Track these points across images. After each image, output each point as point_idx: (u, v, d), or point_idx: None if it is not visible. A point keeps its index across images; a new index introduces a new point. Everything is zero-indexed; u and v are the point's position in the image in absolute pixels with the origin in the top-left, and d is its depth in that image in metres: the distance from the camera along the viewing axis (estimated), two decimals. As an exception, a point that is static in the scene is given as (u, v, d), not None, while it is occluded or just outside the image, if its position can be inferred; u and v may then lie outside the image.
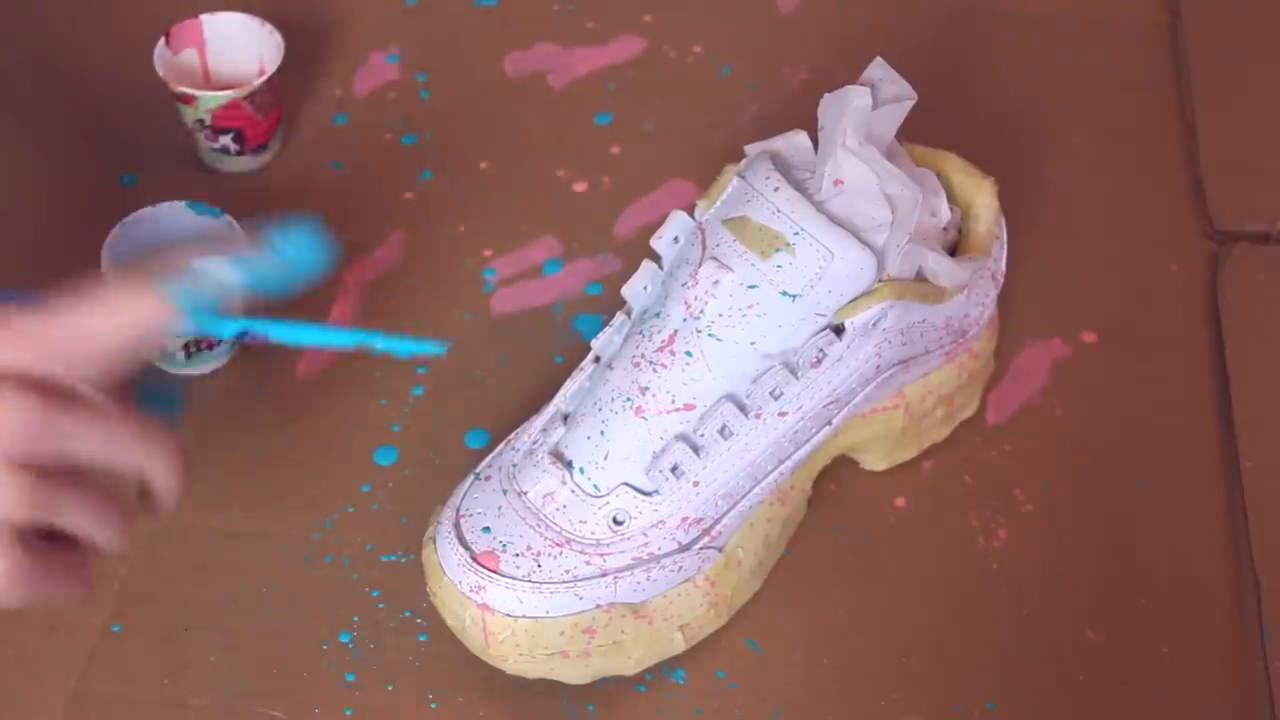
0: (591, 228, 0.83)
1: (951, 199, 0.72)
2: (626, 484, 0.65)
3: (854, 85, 0.66)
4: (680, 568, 0.66)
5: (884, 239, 0.65)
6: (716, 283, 0.65)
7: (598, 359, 0.69)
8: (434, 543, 0.65)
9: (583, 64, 0.91)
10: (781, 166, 0.67)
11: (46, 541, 0.54)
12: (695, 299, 0.65)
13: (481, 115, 0.89)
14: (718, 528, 0.66)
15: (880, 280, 0.66)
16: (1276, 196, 0.84)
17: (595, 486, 0.65)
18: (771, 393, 0.65)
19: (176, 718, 0.67)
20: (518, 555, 0.64)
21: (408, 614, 0.69)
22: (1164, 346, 0.79)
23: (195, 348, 0.75)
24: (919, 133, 0.71)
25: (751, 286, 0.65)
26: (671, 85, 0.90)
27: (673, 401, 0.65)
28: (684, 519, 0.65)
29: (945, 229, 0.71)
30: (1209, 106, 0.88)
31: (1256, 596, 0.70)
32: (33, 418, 0.51)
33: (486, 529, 0.64)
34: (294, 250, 0.55)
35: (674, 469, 0.65)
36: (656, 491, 0.65)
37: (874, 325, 0.66)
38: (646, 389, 0.65)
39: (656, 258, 0.69)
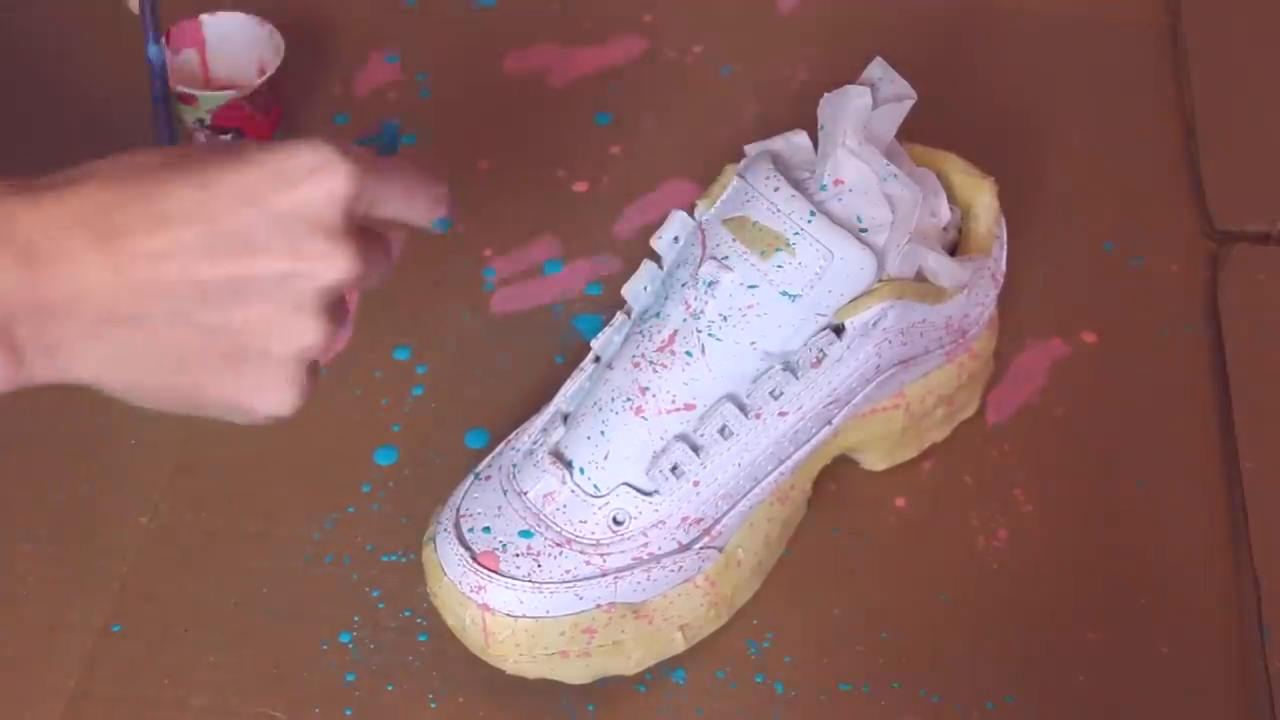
0: (591, 228, 0.83)
1: (951, 199, 0.72)
2: (626, 484, 0.65)
3: (854, 85, 0.66)
4: (680, 568, 0.66)
5: (884, 239, 0.65)
6: (716, 283, 0.65)
7: (598, 359, 0.69)
8: (434, 543, 0.65)
9: (582, 64, 0.91)
10: (781, 166, 0.67)
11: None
12: (695, 299, 0.65)
13: (481, 115, 0.89)
14: (718, 528, 0.66)
15: (880, 280, 0.66)
16: (1276, 196, 0.84)
17: (595, 486, 0.65)
18: (771, 393, 0.65)
19: (176, 718, 0.67)
20: (518, 555, 0.64)
21: (408, 614, 0.69)
22: (1164, 346, 0.79)
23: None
24: (919, 133, 0.71)
25: (751, 286, 0.65)
26: (671, 85, 0.90)
27: (673, 401, 0.65)
28: (684, 519, 0.65)
29: (945, 229, 0.71)
30: (1209, 106, 0.88)
31: (1256, 596, 0.70)
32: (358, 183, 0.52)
33: (487, 529, 0.64)
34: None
35: (674, 469, 0.65)
36: (656, 491, 0.65)
37: (874, 325, 0.66)
38: (646, 389, 0.65)
39: (656, 258, 0.69)
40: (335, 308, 0.54)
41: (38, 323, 0.50)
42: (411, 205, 0.55)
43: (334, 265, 0.52)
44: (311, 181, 0.51)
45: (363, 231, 0.54)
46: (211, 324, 0.51)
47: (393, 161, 0.54)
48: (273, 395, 0.54)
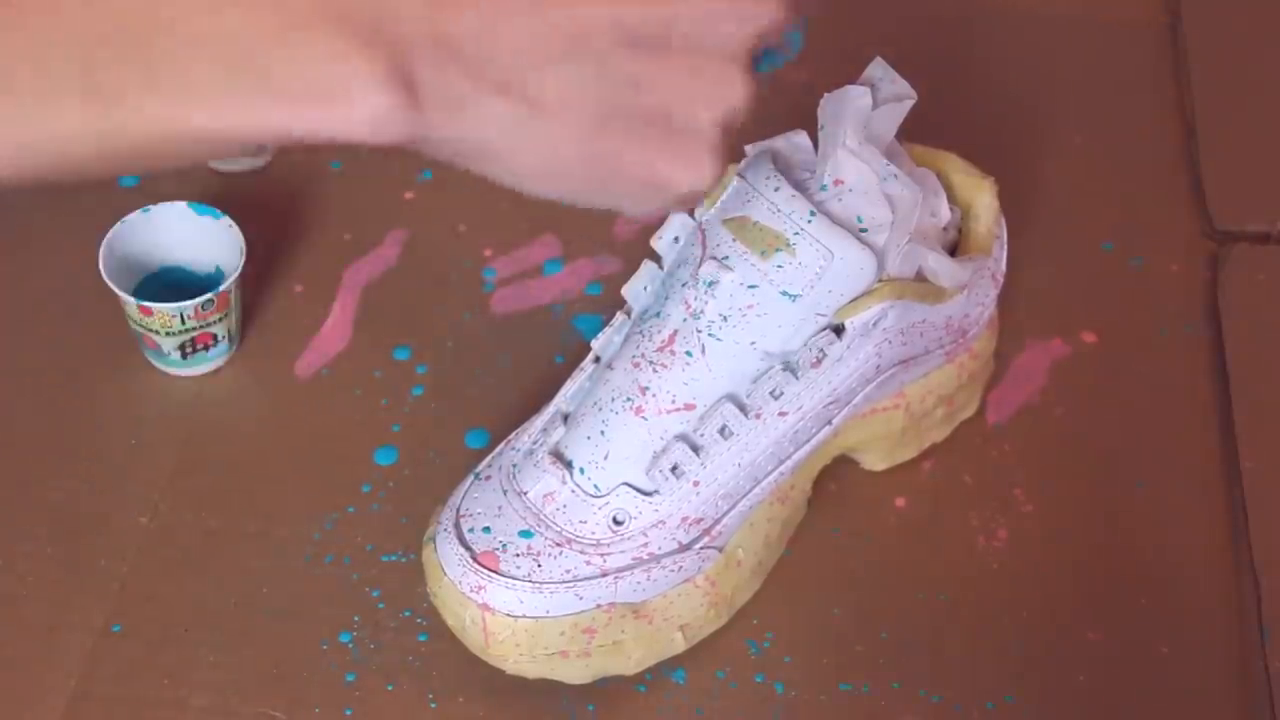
0: (591, 228, 0.83)
1: (951, 199, 0.72)
2: (626, 484, 0.65)
3: (854, 85, 0.66)
4: (680, 568, 0.66)
5: (884, 239, 0.65)
6: (717, 283, 0.65)
7: (598, 359, 0.69)
8: (434, 543, 0.65)
9: (583, 64, 0.91)
10: (781, 166, 0.67)
11: None
12: (695, 299, 0.65)
13: (481, 115, 0.88)
14: (718, 528, 0.66)
15: (880, 280, 0.66)
16: (1276, 196, 0.84)
17: (595, 486, 0.65)
18: (771, 393, 0.65)
19: (176, 718, 0.67)
20: (518, 555, 0.64)
21: (408, 614, 0.69)
22: (1164, 346, 0.79)
23: (191, 348, 0.75)
24: (919, 133, 0.71)
25: (751, 286, 0.65)
26: (671, 85, 0.90)
27: (673, 401, 0.65)
28: (684, 519, 0.65)
29: (945, 229, 0.71)
30: (1209, 106, 0.88)
31: (1256, 596, 0.70)
32: None
33: (487, 529, 0.64)
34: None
35: (674, 469, 0.65)
36: (657, 491, 0.65)
37: (874, 325, 0.66)
38: (646, 389, 0.65)
39: (656, 258, 0.69)
40: (749, 66, 0.48)
41: (441, 61, 0.43)
42: None
43: (767, 4, 0.47)
44: None
45: None
46: (636, 77, 0.45)
47: None
48: (694, 165, 0.48)
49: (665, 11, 0.45)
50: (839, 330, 0.66)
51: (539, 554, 0.64)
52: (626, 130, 0.46)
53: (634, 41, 0.45)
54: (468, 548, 0.64)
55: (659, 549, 0.65)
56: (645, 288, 0.68)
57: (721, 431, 0.65)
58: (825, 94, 0.67)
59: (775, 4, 0.47)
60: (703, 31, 0.46)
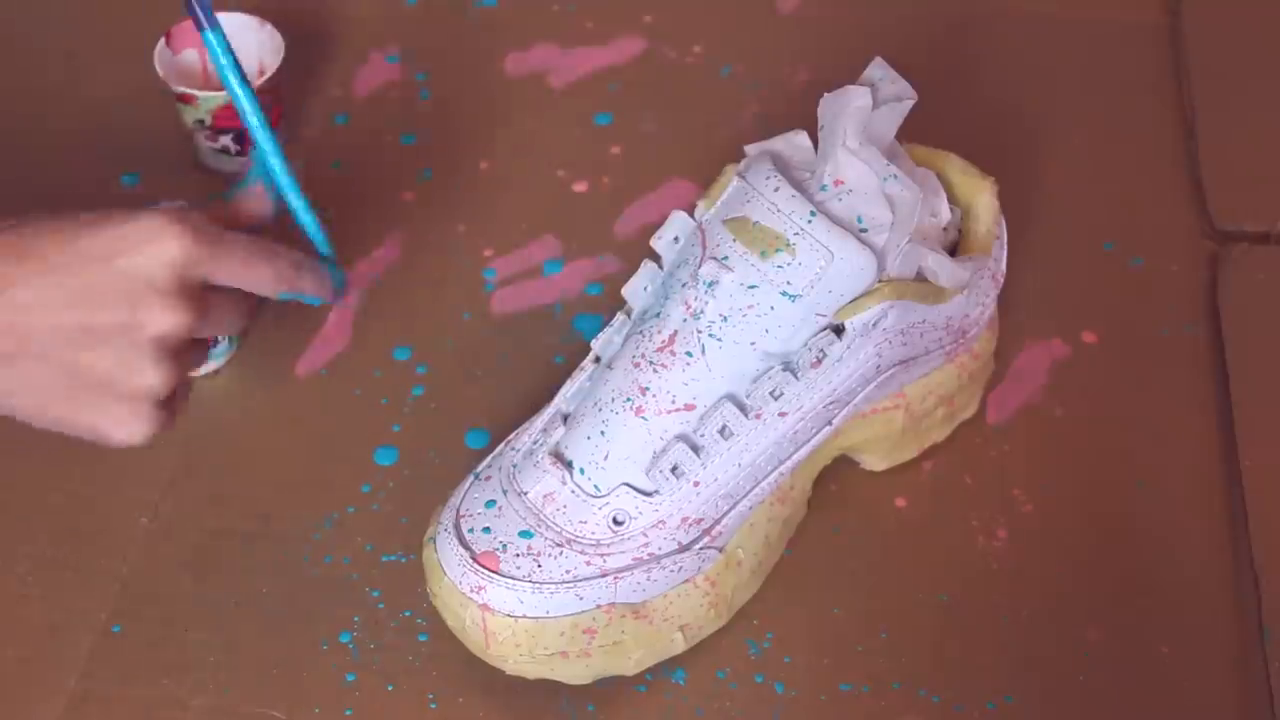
0: (591, 228, 0.83)
1: (951, 199, 0.72)
2: (627, 484, 0.65)
3: (854, 85, 0.66)
4: (680, 568, 0.66)
5: (884, 239, 0.65)
6: (717, 283, 0.65)
7: (598, 359, 0.69)
8: (434, 543, 0.65)
9: (583, 64, 0.91)
10: (781, 166, 0.67)
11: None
12: (695, 299, 0.65)
13: (481, 115, 0.89)
14: (718, 528, 0.66)
15: (880, 280, 0.66)
16: (1276, 196, 0.84)
17: (595, 487, 0.65)
18: (771, 393, 0.65)
19: (176, 718, 0.67)
20: (518, 555, 0.64)
21: (408, 614, 0.69)
22: (1164, 346, 0.79)
23: (195, 348, 0.75)
24: (919, 133, 0.71)
25: (751, 287, 0.65)
26: (671, 85, 0.90)
27: (673, 401, 0.65)
28: (684, 519, 0.65)
29: (945, 229, 0.71)
30: (1209, 106, 0.88)
31: (1256, 596, 0.70)
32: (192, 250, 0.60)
33: (487, 529, 0.65)
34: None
35: (674, 469, 0.65)
36: (657, 492, 0.65)
37: (874, 325, 0.66)
38: (647, 389, 0.65)
39: (656, 258, 0.69)
40: (179, 352, 0.61)
41: None
42: (249, 276, 0.62)
43: (163, 319, 0.59)
44: (145, 246, 0.59)
45: (213, 289, 0.61)
46: (67, 363, 0.59)
47: (238, 235, 0.61)
48: (124, 427, 0.61)
49: (85, 320, 0.59)
50: (839, 330, 0.66)
51: (539, 554, 0.64)
52: (68, 400, 0.60)
53: (66, 341, 0.59)
54: (468, 548, 0.64)
55: (659, 549, 0.65)
56: (645, 288, 0.68)
57: (721, 432, 0.65)
58: (825, 94, 0.67)
59: (173, 317, 0.59)
60: (114, 335, 0.60)
